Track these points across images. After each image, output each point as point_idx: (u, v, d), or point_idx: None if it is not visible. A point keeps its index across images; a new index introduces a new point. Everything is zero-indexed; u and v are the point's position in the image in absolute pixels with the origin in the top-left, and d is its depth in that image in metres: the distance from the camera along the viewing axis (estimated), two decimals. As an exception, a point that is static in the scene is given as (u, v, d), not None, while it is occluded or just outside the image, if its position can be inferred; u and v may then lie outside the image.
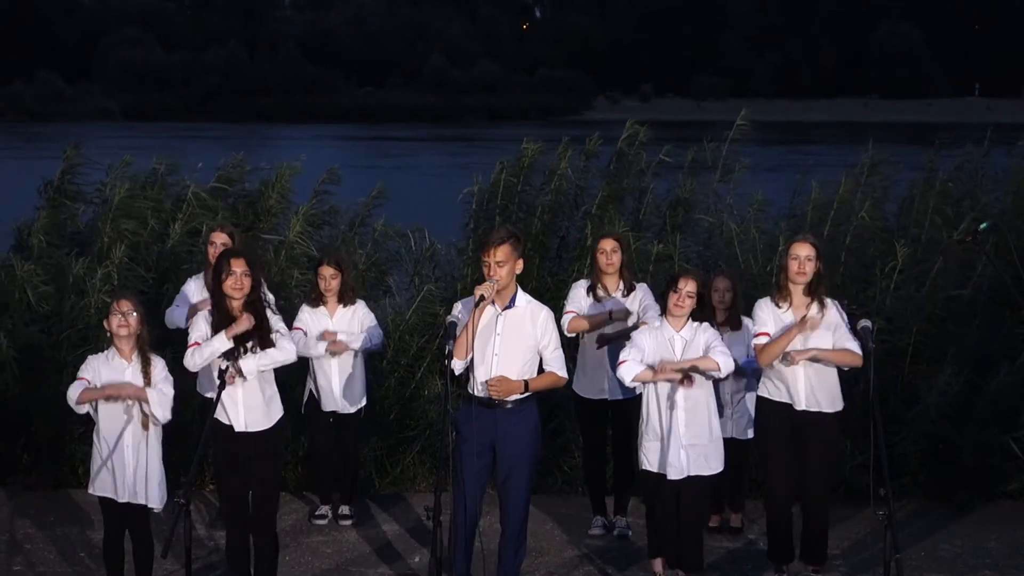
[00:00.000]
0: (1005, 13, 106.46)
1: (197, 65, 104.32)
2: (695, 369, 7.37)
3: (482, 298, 6.96)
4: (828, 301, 7.58)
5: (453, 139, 68.47)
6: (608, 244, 8.55)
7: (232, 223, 9.84)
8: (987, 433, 9.39)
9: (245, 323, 7.09)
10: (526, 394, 7.12)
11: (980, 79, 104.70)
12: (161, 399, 7.18)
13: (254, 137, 59.10)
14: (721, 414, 8.34)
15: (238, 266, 7.11)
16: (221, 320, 7.14)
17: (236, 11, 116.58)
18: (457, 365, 7.05)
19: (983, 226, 9.41)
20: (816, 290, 7.53)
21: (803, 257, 7.48)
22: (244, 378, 7.09)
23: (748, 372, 8.28)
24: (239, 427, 7.19)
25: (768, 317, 7.60)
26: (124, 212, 10.35)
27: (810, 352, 7.47)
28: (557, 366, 7.20)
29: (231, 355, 7.10)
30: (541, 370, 7.21)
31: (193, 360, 7.17)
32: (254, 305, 7.16)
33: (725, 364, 7.39)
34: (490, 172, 11.00)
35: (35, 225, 10.26)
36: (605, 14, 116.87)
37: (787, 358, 7.49)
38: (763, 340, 7.58)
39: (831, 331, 7.52)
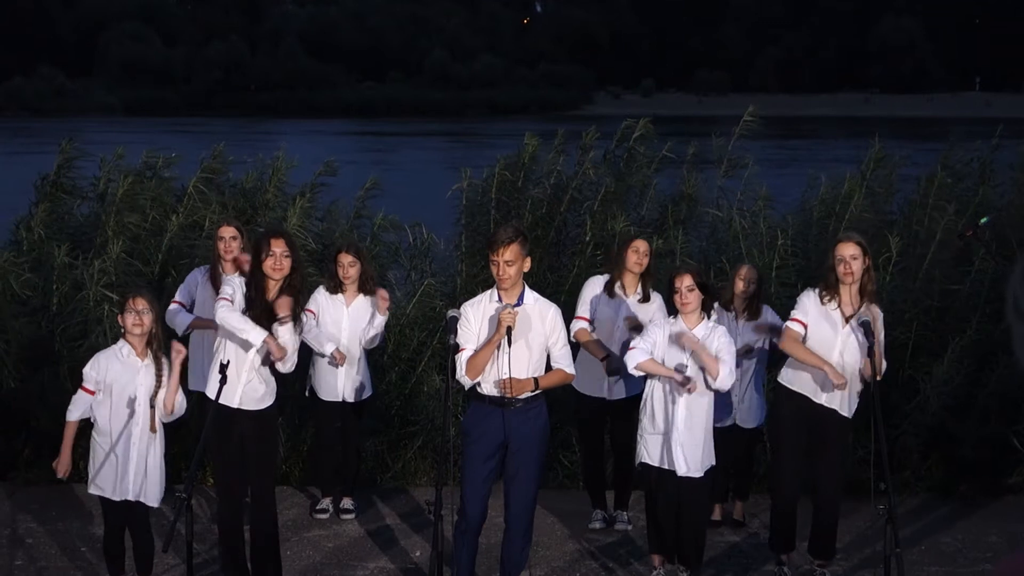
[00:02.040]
0: (1006, 8, 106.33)
1: (198, 60, 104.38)
2: (700, 358, 7.33)
3: (509, 329, 6.90)
4: (875, 308, 7.47)
5: (443, 134, 68.40)
6: (643, 246, 8.59)
7: (234, 217, 9.83)
8: (988, 427, 9.39)
9: (284, 308, 7.04)
10: (536, 392, 7.09)
11: (980, 74, 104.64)
12: (183, 403, 7.27)
13: (243, 132, 59.07)
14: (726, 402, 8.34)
15: (278, 246, 7.07)
16: (257, 298, 7.09)
17: (237, 6, 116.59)
18: (466, 381, 7.06)
19: (983, 220, 9.44)
20: (865, 289, 7.44)
21: (848, 257, 7.36)
22: (285, 353, 7.04)
23: (755, 358, 8.31)
24: (235, 403, 7.18)
25: (811, 306, 7.50)
26: (128, 206, 10.36)
27: (847, 382, 7.39)
28: (565, 363, 7.16)
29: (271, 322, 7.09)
30: (548, 367, 7.20)
31: (227, 317, 7.01)
32: (293, 288, 7.14)
33: (725, 378, 7.31)
34: (486, 167, 11.00)
35: (34, 219, 10.27)
36: (606, 8, 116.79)
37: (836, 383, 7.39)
38: (797, 327, 7.50)
39: (864, 341, 7.38)
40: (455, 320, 7.01)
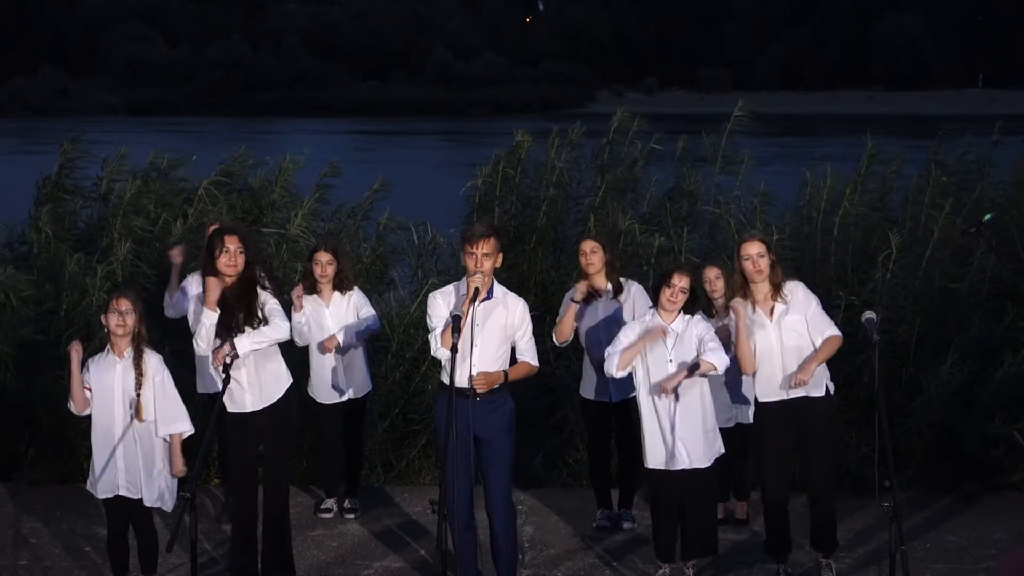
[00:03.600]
0: (1008, 4, 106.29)
1: (200, 60, 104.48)
2: (692, 372, 7.35)
3: (476, 291, 6.97)
4: (790, 285, 7.58)
5: (445, 133, 68.42)
6: (587, 246, 8.50)
7: (239, 218, 9.80)
8: (992, 424, 9.38)
9: (213, 287, 7.03)
10: (501, 384, 7.14)
11: (983, 71, 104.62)
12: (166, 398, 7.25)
13: (245, 132, 59.15)
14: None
15: (231, 243, 7.07)
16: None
17: (239, 5, 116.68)
18: (442, 354, 7.08)
19: (986, 217, 9.41)
20: (775, 281, 7.54)
21: (755, 255, 7.47)
22: (238, 356, 7.04)
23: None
24: (248, 408, 7.21)
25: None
26: (134, 208, 10.34)
27: (808, 373, 7.44)
28: (530, 355, 7.24)
29: (226, 335, 7.09)
30: (514, 359, 7.23)
31: (199, 345, 7.19)
32: (248, 282, 7.13)
33: (720, 361, 7.35)
34: (484, 164, 10.99)
35: (40, 219, 10.24)
36: (608, 6, 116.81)
37: (794, 382, 7.47)
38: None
39: (802, 314, 7.52)
40: (458, 319, 7.02)
